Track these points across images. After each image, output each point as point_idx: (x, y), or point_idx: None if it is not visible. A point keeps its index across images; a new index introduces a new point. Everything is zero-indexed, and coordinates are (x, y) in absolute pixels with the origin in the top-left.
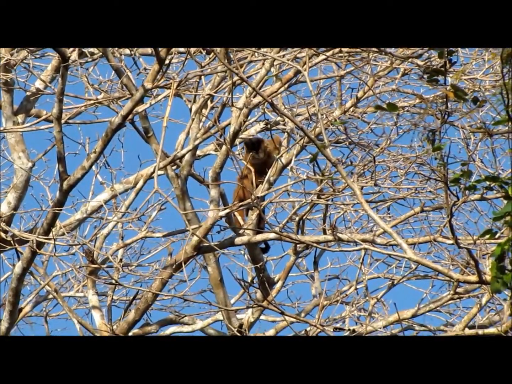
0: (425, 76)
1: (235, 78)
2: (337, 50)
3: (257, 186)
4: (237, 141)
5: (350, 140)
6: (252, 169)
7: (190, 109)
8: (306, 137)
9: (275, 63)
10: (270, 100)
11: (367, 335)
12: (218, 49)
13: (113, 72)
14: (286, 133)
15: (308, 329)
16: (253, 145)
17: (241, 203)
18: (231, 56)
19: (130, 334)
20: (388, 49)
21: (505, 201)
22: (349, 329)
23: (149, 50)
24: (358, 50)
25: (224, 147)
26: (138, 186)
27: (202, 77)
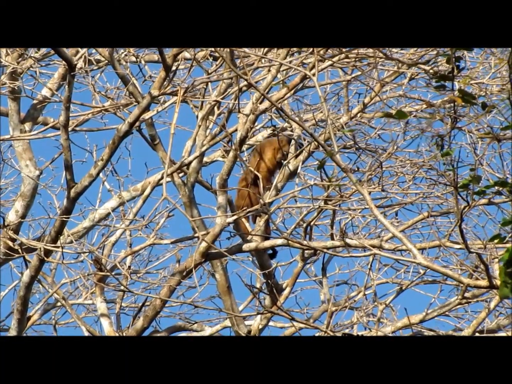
0: (433, 82)
1: (242, 84)
2: (343, 55)
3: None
4: (244, 147)
5: (357, 146)
6: (260, 175)
7: (197, 116)
8: (313, 143)
9: (281, 68)
10: (278, 105)
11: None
12: (225, 55)
13: (119, 79)
14: (293, 140)
15: (317, 335)
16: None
17: (249, 209)
18: (238, 62)
19: None
20: (394, 55)
21: None
22: (358, 335)
23: (155, 57)
24: (364, 55)
25: (231, 154)
26: (146, 193)
27: (209, 83)
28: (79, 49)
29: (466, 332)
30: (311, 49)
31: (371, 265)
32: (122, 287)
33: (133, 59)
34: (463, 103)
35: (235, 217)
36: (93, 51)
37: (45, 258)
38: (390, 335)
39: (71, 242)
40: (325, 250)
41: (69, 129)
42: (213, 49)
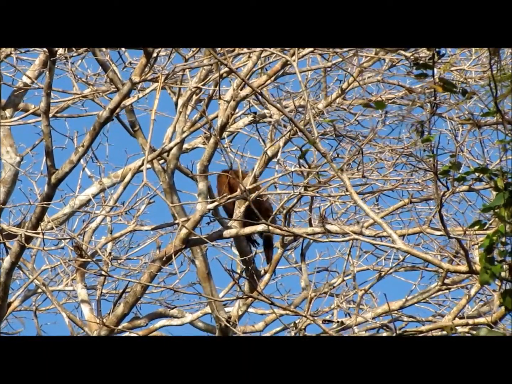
0: (413, 70)
1: (223, 70)
2: None
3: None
4: (225, 134)
5: (337, 133)
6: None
7: (176, 103)
8: (293, 129)
9: (262, 54)
10: (259, 91)
11: (356, 331)
12: None
13: (100, 66)
14: (272, 126)
15: (297, 321)
16: None
17: (229, 196)
18: (218, 48)
19: (119, 327)
20: None
21: (494, 192)
22: (338, 321)
23: None
24: None
25: (211, 140)
26: (126, 179)
27: (188, 70)
28: None
29: (447, 319)
30: None
31: (350, 251)
32: (102, 273)
33: None
34: (444, 92)
35: (215, 203)
36: None
37: (26, 245)
38: (372, 326)
39: (52, 228)
40: (304, 235)
41: (50, 115)
42: None
